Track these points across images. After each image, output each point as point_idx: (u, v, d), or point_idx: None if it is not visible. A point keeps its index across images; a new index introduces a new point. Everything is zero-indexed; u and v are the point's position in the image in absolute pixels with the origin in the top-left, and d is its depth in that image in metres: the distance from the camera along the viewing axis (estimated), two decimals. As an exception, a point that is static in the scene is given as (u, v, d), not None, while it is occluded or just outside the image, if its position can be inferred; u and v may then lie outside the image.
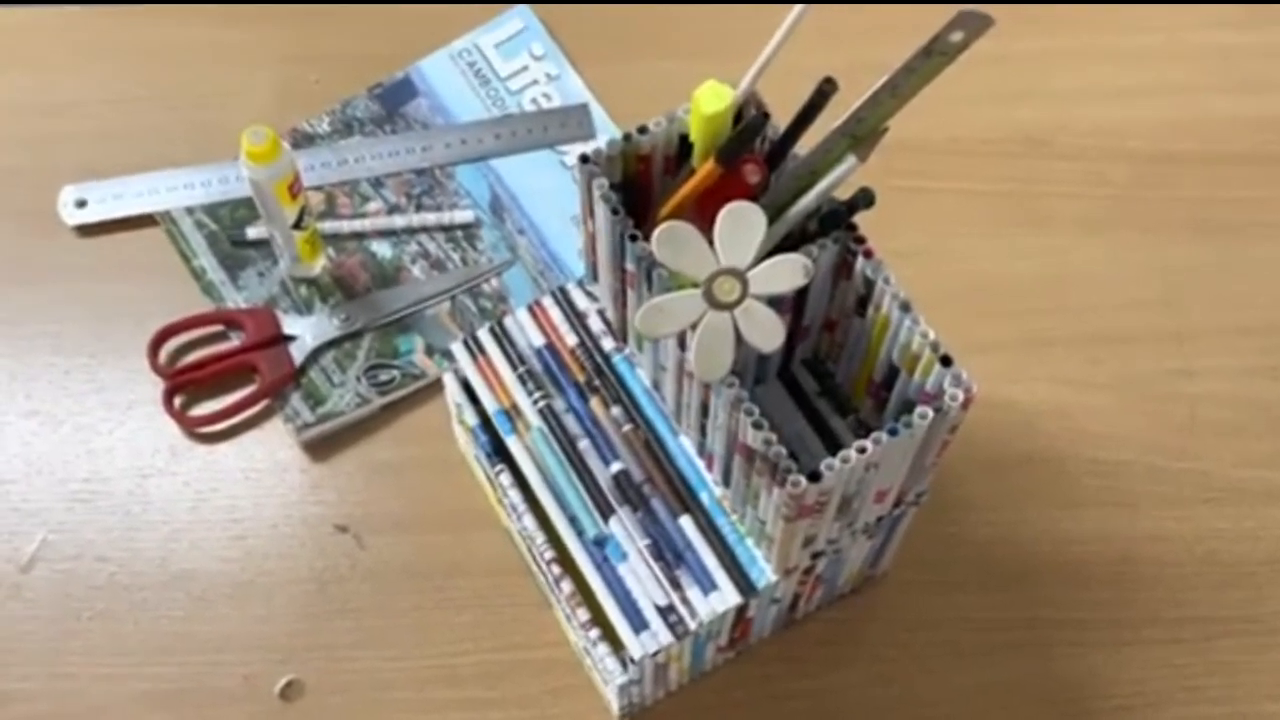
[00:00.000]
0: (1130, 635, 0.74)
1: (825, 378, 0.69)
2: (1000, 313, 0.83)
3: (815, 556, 0.64)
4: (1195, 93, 0.90)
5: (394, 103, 0.88)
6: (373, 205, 0.85)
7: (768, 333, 0.56)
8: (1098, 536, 0.77)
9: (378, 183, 0.85)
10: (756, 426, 0.56)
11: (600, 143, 0.85)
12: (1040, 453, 0.79)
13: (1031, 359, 0.81)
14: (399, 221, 0.84)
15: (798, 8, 0.55)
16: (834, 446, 0.67)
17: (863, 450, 0.55)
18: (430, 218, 0.84)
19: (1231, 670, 0.73)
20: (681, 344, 0.59)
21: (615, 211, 0.59)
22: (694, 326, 0.55)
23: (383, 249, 0.83)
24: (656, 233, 0.54)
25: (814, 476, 0.55)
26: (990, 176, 0.87)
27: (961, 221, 0.86)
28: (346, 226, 0.84)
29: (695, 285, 0.55)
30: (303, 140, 0.87)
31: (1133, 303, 0.83)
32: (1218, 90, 0.91)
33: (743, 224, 0.55)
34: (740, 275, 0.55)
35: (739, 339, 0.55)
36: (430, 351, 0.80)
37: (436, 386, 0.79)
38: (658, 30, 0.92)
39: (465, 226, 0.84)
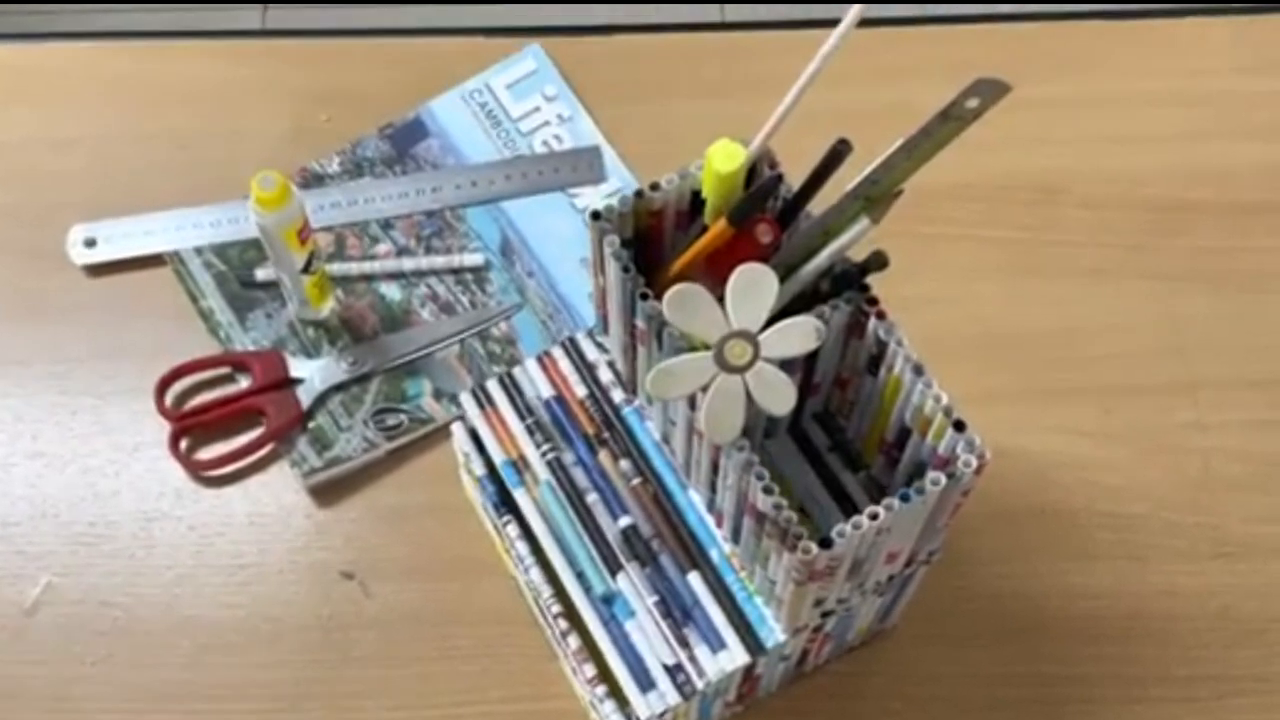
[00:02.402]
0: (1140, 693, 0.73)
1: (836, 433, 0.68)
2: (1012, 362, 0.82)
3: (825, 615, 0.64)
4: (1212, 140, 0.90)
5: (405, 143, 0.88)
6: (382, 247, 0.84)
7: (779, 396, 0.55)
8: (1108, 591, 0.76)
9: (387, 224, 0.85)
10: (767, 491, 0.55)
11: (611, 187, 0.86)
12: (1051, 505, 0.78)
13: (1043, 409, 0.81)
14: (408, 264, 0.84)
15: (850, 12, 0.54)
16: (844, 501, 0.67)
17: (875, 516, 0.55)
18: (440, 260, 0.84)
19: (1244, 730, 0.73)
20: (692, 403, 0.58)
21: (626, 269, 0.59)
22: (704, 389, 0.55)
23: (391, 291, 0.83)
24: (668, 295, 0.54)
25: (825, 543, 0.54)
26: (1003, 224, 0.87)
27: (973, 269, 0.85)
28: (355, 268, 0.84)
29: (706, 346, 0.55)
30: (312, 180, 0.86)
31: (1146, 353, 0.83)
32: (1235, 138, 0.90)
33: (755, 286, 0.54)
34: (752, 338, 0.55)
35: (750, 400, 0.55)
36: (439, 396, 0.80)
37: (444, 431, 0.79)
38: (670, 73, 0.91)
39: (475, 269, 0.84)
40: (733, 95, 0.90)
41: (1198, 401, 0.81)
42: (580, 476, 0.67)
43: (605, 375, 0.69)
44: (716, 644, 0.63)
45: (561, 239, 0.85)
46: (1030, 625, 0.75)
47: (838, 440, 0.68)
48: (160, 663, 0.73)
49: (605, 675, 0.64)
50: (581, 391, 0.69)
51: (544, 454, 0.68)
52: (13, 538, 0.76)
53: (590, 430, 0.68)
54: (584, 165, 0.87)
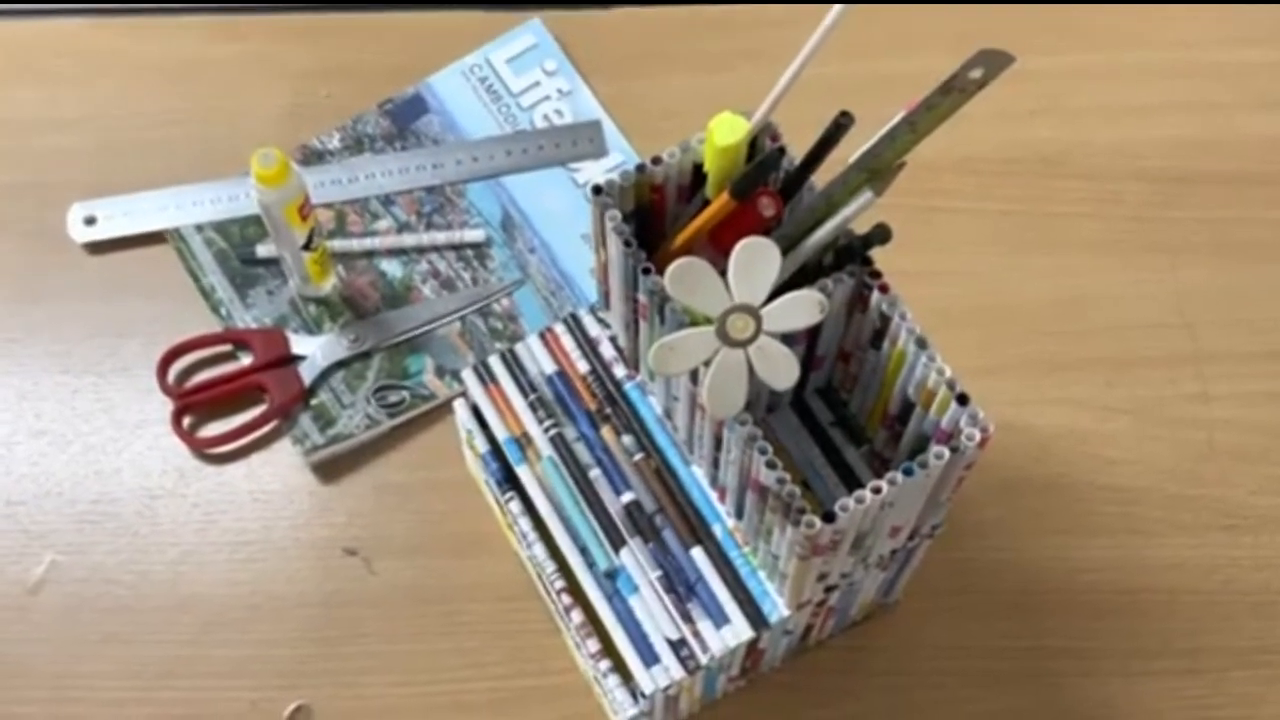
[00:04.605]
0: (1143, 665, 0.73)
1: (839, 407, 0.68)
2: (1014, 335, 0.82)
3: (828, 590, 0.64)
4: (1215, 110, 0.89)
5: (405, 119, 0.87)
6: (383, 223, 0.84)
7: (782, 370, 0.55)
8: (1111, 564, 0.76)
9: (388, 200, 0.85)
10: (770, 466, 0.55)
11: (612, 161, 0.86)
12: (1054, 478, 0.78)
13: (1046, 382, 0.81)
14: (409, 240, 0.83)
15: (833, 12, 0.53)
16: (847, 476, 0.66)
17: (878, 490, 0.54)
18: (440, 236, 0.84)
19: (1247, 702, 0.73)
20: (694, 378, 0.58)
21: (628, 244, 0.59)
22: (707, 364, 0.55)
23: (393, 268, 0.83)
24: (670, 270, 0.54)
25: (829, 517, 0.54)
26: (1004, 196, 0.86)
27: (974, 242, 0.85)
28: (356, 245, 0.83)
29: (709, 320, 0.55)
30: (313, 157, 0.86)
31: (1149, 326, 0.82)
32: (1238, 108, 0.89)
33: (757, 260, 0.54)
34: (754, 312, 0.54)
35: (752, 375, 0.55)
36: (440, 372, 0.80)
37: (446, 407, 0.79)
38: (670, 46, 0.91)
39: (476, 245, 0.83)
40: (733, 67, 0.89)
41: (1202, 374, 0.81)
42: (583, 452, 0.67)
43: (607, 351, 0.69)
44: (720, 619, 0.63)
45: (562, 214, 0.84)
46: (1033, 599, 0.75)
47: (840, 414, 0.68)
48: (164, 640, 0.73)
49: (609, 650, 0.64)
50: (584, 367, 0.69)
51: (547, 430, 0.67)
52: (17, 516, 0.76)
53: (593, 406, 0.68)
54: (584, 139, 0.87)
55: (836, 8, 0.52)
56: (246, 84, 0.89)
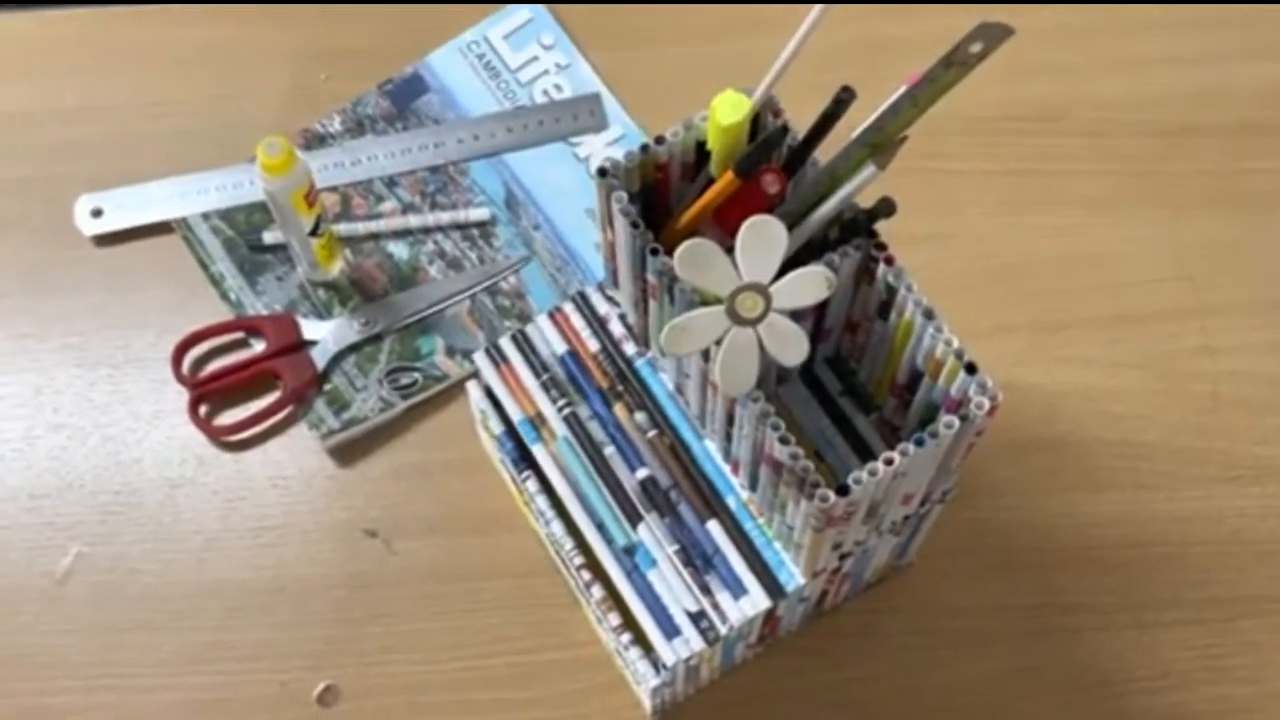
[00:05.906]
0: (1153, 617, 0.75)
1: (848, 376, 0.69)
2: (1018, 294, 0.83)
3: (843, 557, 0.65)
4: (1214, 61, 0.89)
5: (405, 99, 0.87)
6: (387, 205, 0.84)
7: (792, 347, 0.56)
8: (1120, 519, 0.77)
9: (391, 182, 0.85)
10: (783, 441, 0.56)
11: (613, 134, 0.86)
12: (1062, 436, 0.79)
13: (1051, 341, 0.81)
14: (414, 221, 0.84)
15: (813, 13, 0.54)
16: (858, 443, 0.67)
17: (890, 462, 0.55)
18: (445, 216, 0.84)
19: (1257, 650, 0.74)
20: (706, 356, 0.59)
21: (635, 225, 0.59)
22: (718, 343, 0.55)
23: (399, 249, 0.83)
24: (679, 251, 0.54)
25: (842, 490, 0.55)
26: (1004, 155, 0.86)
27: (976, 202, 0.85)
28: (362, 228, 0.84)
29: (718, 300, 0.55)
30: (315, 141, 0.86)
31: (1153, 280, 0.83)
32: (1237, 58, 0.89)
33: (764, 238, 0.55)
34: (763, 290, 0.55)
35: (763, 352, 0.56)
36: (451, 352, 0.80)
37: (459, 387, 0.79)
38: (666, 16, 0.91)
39: (481, 224, 0.84)
40: (729, 36, 0.89)
41: (1205, 326, 0.82)
42: (597, 430, 0.68)
43: (617, 329, 0.70)
44: (738, 589, 0.64)
45: (565, 189, 0.85)
46: (1044, 556, 0.76)
47: (850, 384, 0.69)
48: (192, 626, 0.75)
49: (630, 623, 0.65)
50: (594, 346, 0.69)
51: (560, 409, 0.68)
52: (41, 509, 0.77)
53: (604, 384, 0.69)
54: (585, 113, 0.87)
55: (817, 8, 0.53)
56: (246, 70, 0.89)
